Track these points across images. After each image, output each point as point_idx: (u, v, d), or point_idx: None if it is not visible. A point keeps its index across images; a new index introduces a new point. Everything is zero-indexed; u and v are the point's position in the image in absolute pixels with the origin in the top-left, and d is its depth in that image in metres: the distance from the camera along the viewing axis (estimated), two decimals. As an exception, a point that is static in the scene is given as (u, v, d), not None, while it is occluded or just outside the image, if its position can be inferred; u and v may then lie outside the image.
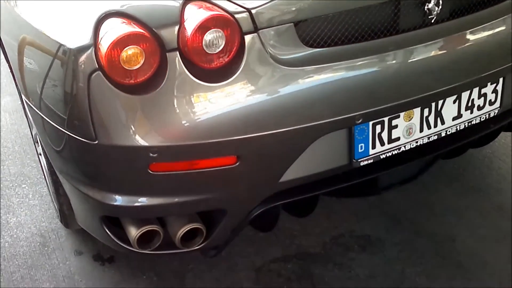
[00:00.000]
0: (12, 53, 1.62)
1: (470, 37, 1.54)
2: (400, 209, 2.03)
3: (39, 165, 2.22)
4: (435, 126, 1.57)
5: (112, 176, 1.36)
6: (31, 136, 2.28)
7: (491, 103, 1.65)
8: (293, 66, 1.32)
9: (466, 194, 2.10)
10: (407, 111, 1.49)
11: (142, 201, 1.38)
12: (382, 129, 1.48)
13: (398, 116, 1.48)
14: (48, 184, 1.97)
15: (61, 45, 1.30)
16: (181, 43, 1.23)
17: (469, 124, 1.63)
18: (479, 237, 1.90)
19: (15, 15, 1.56)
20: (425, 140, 1.57)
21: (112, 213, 1.43)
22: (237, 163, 1.34)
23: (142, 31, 1.19)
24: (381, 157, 1.51)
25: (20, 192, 2.22)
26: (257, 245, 1.91)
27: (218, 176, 1.35)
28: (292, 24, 1.30)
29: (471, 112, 1.62)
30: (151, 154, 1.28)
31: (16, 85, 2.13)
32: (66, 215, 1.83)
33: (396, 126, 1.49)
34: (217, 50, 1.24)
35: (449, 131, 1.60)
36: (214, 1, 1.26)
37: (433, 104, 1.53)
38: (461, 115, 1.60)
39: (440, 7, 1.44)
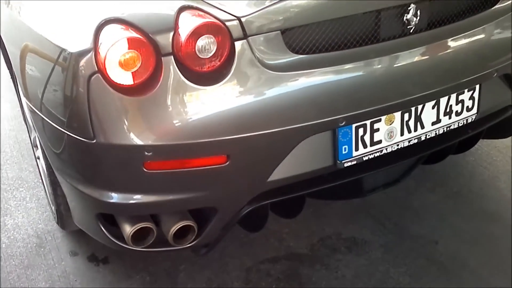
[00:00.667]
0: (15, 60, 1.70)
1: (447, 45, 1.62)
2: (385, 213, 2.11)
3: (37, 169, 2.29)
4: (415, 130, 1.65)
5: (108, 174, 1.44)
6: (29, 141, 2.35)
7: (468, 109, 1.74)
8: (280, 71, 1.40)
9: (449, 199, 2.18)
10: (388, 115, 1.57)
11: (137, 198, 1.45)
12: (365, 132, 1.56)
13: (380, 120, 1.57)
14: (46, 186, 2.04)
15: (62, 50, 1.38)
16: (175, 48, 1.31)
17: (448, 129, 1.72)
18: (461, 240, 1.98)
19: (19, 23, 1.65)
20: (406, 144, 1.65)
21: (108, 210, 1.50)
22: (227, 163, 1.41)
23: (139, 36, 1.28)
24: (364, 159, 1.59)
25: (17, 195, 2.28)
26: (248, 247, 1.98)
27: (209, 174, 1.43)
28: (279, 31, 1.39)
29: (450, 118, 1.70)
30: (145, 153, 1.36)
31: (17, 92, 2.22)
32: (63, 216, 1.89)
33: (378, 130, 1.58)
34: (209, 55, 1.32)
35: (428, 135, 1.68)
36: (206, 10, 1.35)
37: (413, 109, 1.61)
38: (440, 120, 1.69)
39: (418, 18, 1.53)
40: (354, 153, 1.57)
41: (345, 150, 1.55)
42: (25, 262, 1.96)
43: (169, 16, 1.32)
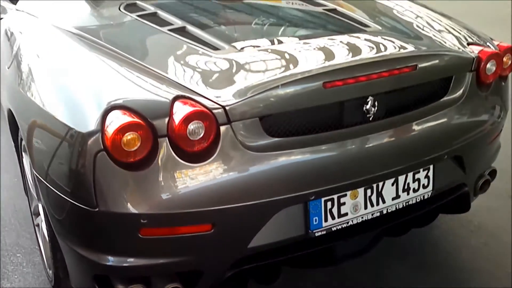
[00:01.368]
0: (23, 132, 1.92)
1: (403, 131, 1.88)
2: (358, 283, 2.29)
3: (34, 236, 2.45)
4: (377, 204, 1.87)
5: (108, 239, 1.63)
6: (26, 209, 2.53)
7: (424, 187, 1.97)
8: (258, 151, 1.64)
9: (416, 269, 2.37)
10: (353, 191, 1.80)
11: (132, 261, 1.64)
12: (332, 205, 1.78)
13: (346, 195, 1.79)
14: (44, 251, 2.20)
15: (70, 128, 1.60)
16: (169, 131, 1.55)
17: (407, 204, 1.94)
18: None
19: (28, 100, 1.87)
20: (370, 216, 1.87)
21: (105, 272, 1.67)
22: (212, 230, 1.62)
23: (139, 121, 1.51)
24: (333, 229, 1.80)
25: (14, 261, 2.44)
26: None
27: (196, 240, 1.63)
28: (257, 118, 1.64)
29: (408, 194, 1.93)
30: (141, 220, 1.56)
31: (19, 162, 2.42)
32: (60, 280, 2.04)
33: (344, 203, 1.80)
34: (198, 137, 1.56)
35: (390, 209, 1.90)
36: (196, 99, 1.60)
37: (374, 186, 1.84)
38: (399, 196, 1.91)
39: (376, 108, 1.80)
40: (324, 224, 1.78)
41: (315, 221, 1.76)
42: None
43: (165, 104, 1.57)
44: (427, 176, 1.96)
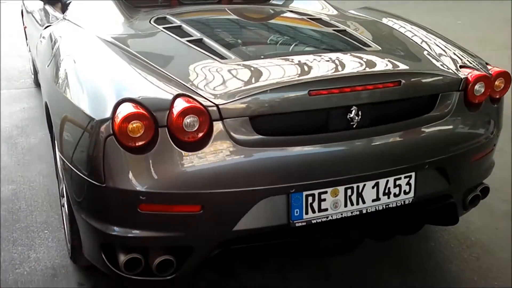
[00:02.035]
0: (56, 127, 2.23)
1: (385, 139, 2.06)
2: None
3: (61, 217, 2.76)
4: (357, 204, 2.06)
5: (113, 211, 1.90)
6: (58, 195, 2.85)
7: (405, 193, 2.14)
8: (246, 146, 1.87)
9: (403, 274, 2.52)
10: (333, 189, 2.00)
11: (132, 232, 1.90)
12: (313, 200, 1.99)
13: (326, 192, 1.99)
14: (65, 226, 2.50)
15: (91, 119, 1.88)
16: (168, 122, 1.81)
17: (387, 206, 2.12)
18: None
19: (60, 95, 2.18)
20: (349, 214, 2.06)
21: (110, 240, 1.93)
22: (201, 211, 1.87)
23: (144, 112, 1.79)
24: (313, 222, 2.00)
25: (42, 236, 2.75)
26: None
27: (187, 219, 1.88)
28: (247, 117, 1.88)
29: (388, 197, 2.11)
30: (141, 197, 1.83)
31: (53, 152, 2.75)
32: (75, 249, 2.33)
33: (324, 199, 2.00)
34: (193, 130, 1.81)
35: (369, 210, 2.09)
36: (195, 97, 1.86)
37: (355, 186, 2.03)
38: (380, 198, 2.09)
39: (359, 117, 2.01)
40: (305, 216, 1.99)
41: (297, 213, 1.98)
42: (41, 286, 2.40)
43: (167, 99, 1.83)
44: (408, 183, 2.13)
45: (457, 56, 2.43)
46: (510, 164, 3.66)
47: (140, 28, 2.64)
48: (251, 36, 2.69)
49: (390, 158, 2.08)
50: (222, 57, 2.17)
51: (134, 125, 1.77)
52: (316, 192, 1.98)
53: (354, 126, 2.01)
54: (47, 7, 3.82)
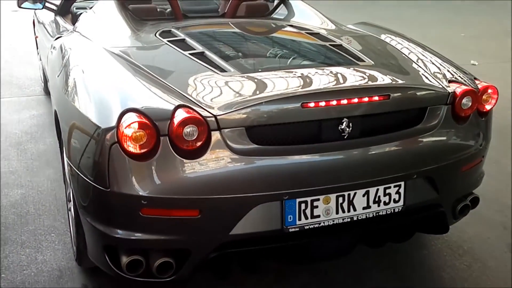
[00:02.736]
0: (64, 134, 2.35)
1: (375, 149, 2.16)
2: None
3: (67, 220, 2.88)
4: (348, 211, 2.16)
5: (117, 215, 2.01)
6: (65, 199, 2.97)
7: (395, 201, 2.24)
8: (242, 154, 1.99)
9: (393, 281, 2.62)
10: (325, 196, 2.11)
11: (134, 235, 2.01)
12: (306, 206, 2.09)
13: (318, 199, 2.10)
14: (71, 230, 2.62)
15: (97, 127, 2.01)
16: (169, 131, 1.92)
17: (377, 214, 2.22)
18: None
19: (69, 103, 2.31)
20: (341, 221, 2.16)
21: (114, 242, 2.04)
22: (199, 216, 1.98)
23: (146, 121, 1.91)
24: (306, 228, 2.11)
25: (49, 239, 2.87)
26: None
27: (186, 223, 1.99)
28: (243, 127, 2.00)
29: (378, 206, 2.21)
30: (142, 201, 1.94)
31: (61, 158, 2.87)
32: (81, 252, 2.44)
33: (316, 206, 2.10)
34: (192, 138, 1.93)
35: (360, 217, 2.19)
36: (195, 108, 1.97)
37: (346, 194, 2.14)
38: (370, 206, 2.19)
39: (350, 128, 2.12)
40: (298, 222, 2.10)
41: (290, 219, 2.08)
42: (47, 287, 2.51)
43: (168, 110, 1.95)
44: (398, 192, 2.23)
45: (447, 71, 2.54)
46: (506, 175, 3.75)
47: (146, 40, 2.78)
48: (251, 50, 2.82)
49: (380, 168, 2.19)
50: (221, 69, 2.29)
51: (138, 133, 1.89)
52: (308, 199, 2.08)
53: (346, 137, 2.12)
54: (58, 18, 3.97)
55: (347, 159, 2.13)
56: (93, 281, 2.55)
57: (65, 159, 2.38)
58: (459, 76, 2.51)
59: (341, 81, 2.26)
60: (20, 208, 3.19)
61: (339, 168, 2.12)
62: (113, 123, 1.94)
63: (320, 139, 2.11)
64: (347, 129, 2.11)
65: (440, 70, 2.55)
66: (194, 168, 1.95)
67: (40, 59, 4.85)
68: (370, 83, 2.26)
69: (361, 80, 2.28)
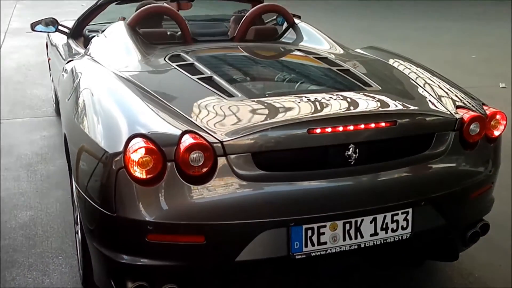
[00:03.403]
0: (73, 156, 2.37)
1: (382, 175, 2.16)
2: None
3: (75, 243, 2.88)
4: (356, 238, 2.14)
5: (123, 240, 2.02)
6: (73, 221, 2.97)
7: (403, 228, 2.21)
8: (248, 180, 1.99)
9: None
10: (332, 223, 2.09)
11: (140, 260, 2.01)
12: (313, 233, 2.08)
13: (325, 226, 2.09)
14: (78, 253, 2.62)
15: (105, 152, 2.02)
16: (176, 157, 1.93)
17: (385, 241, 2.20)
18: None
19: (78, 127, 2.33)
20: (348, 248, 2.14)
21: (119, 268, 2.04)
22: (205, 242, 1.97)
23: (153, 147, 1.92)
24: (312, 254, 2.09)
25: (56, 262, 2.88)
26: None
27: (191, 249, 1.99)
28: (249, 153, 2.00)
29: (386, 232, 2.19)
30: (148, 227, 1.94)
31: (70, 180, 2.89)
32: (87, 277, 2.44)
33: (323, 233, 2.09)
34: (199, 164, 1.93)
35: (368, 244, 2.17)
36: (201, 134, 1.98)
37: (353, 221, 2.12)
38: (378, 233, 2.18)
39: (357, 154, 2.11)
40: (304, 249, 2.08)
41: (296, 245, 2.07)
42: (53, 311, 2.51)
43: (175, 135, 1.96)
44: (406, 219, 2.21)
45: (455, 97, 2.54)
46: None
47: (155, 65, 2.80)
48: (259, 74, 2.83)
49: (387, 194, 2.17)
50: (229, 94, 2.30)
51: (144, 159, 1.90)
52: (315, 225, 2.07)
53: (352, 163, 2.11)
54: (70, 41, 4.03)
55: (354, 185, 2.12)
56: (98, 304, 2.54)
57: (73, 182, 2.39)
58: (467, 101, 2.51)
59: (348, 106, 2.26)
60: (29, 230, 3.20)
61: (345, 194, 2.11)
62: (120, 148, 1.95)
63: (327, 165, 2.10)
64: (354, 155, 2.11)
65: (448, 95, 2.54)
66: (200, 194, 1.95)
67: (52, 81, 4.91)
68: (376, 109, 2.27)
69: (368, 105, 2.28)
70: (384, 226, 2.18)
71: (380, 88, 2.51)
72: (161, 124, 2.07)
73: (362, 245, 2.16)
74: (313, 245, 2.09)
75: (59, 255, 2.95)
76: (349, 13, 12.86)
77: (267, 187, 2.01)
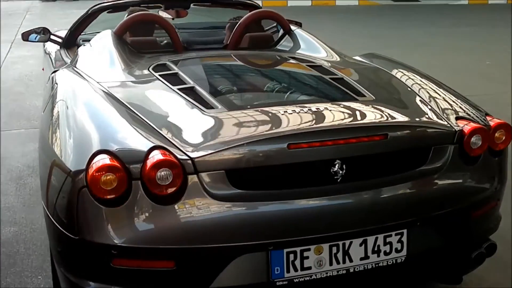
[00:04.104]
0: (40, 171, 2.21)
1: (372, 194, 1.98)
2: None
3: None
4: (344, 262, 1.96)
5: (87, 266, 1.86)
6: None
7: (397, 251, 2.03)
8: (222, 200, 1.82)
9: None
10: (317, 246, 1.91)
11: (105, 287, 1.85)
12: (295, 257, 1.90)
13: (309, 249, 1.91)
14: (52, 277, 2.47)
15: (68, 169, 1.87)
16: (142, 175, 1.77)
17: (377, 265, 2.02)
18: None
19: (47, 142, 2.17)
20: (335, 273, 1.96)
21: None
22: (174, 267, 1.80)
23: (117, 165, 1.76)
24: (295, 281, 1.92)
25: (35, 282, 2.73)
26: None
27: (160, 275, 1.82)
28: (223, 171, 1.83)
29: (378, 256, 2.00)
30: (112, 251, 1.78)
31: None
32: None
33: (307, 257, 1.91)
34: (167, 183, 1.77)
35: (357, 269, 1.99)
36: (171, 150, 1.82)
37: (341, 244, 1.94)
38: (368, 257, 1.99)
39: (344, 171, 1.93)
40: (286, 275, 1.90)
41: (277, 271, 1.89)
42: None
43: (142, 152, 1.80)
44: (400, 241, 2.03)
45: (456, 106, 2.35)
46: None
47: (137, 75, 2.65)
48: (246, 84, 2.67)
49: (379, 214, 1.99)
50: (209, 106, 2.13)
51: (107, 177, 1.75)
52: (298, 249, 1.90)
53: (339, 180, 1.94)
54: (61, 51, 3.90)
55: (341, 205, 1.95)
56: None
57: (42, 201, 2.25)
58: (470, 112, 2.31)
59: (335, 119, 2.08)
60: (11, 247, 3.06)
61: (331, 215, 1.93)
62: (83, 166, 1.80)
63: (310, 183, 1.93)
64: (340, 172, 1.93)
65: (448, 105, 2.35)
66: (168, 215, 1.79)
67: (46, 91, 4.81)
68: (365, 121, 2.08)
69: (357, 117, 2.10)
70: (375, 249, 2.00)
71: (374, 98, 2.33)
72: (130, 139, 1.92)
73: (352, 270, 1.98)
74: (296, 270, 1.91)
75: (38, 274, 2.80)
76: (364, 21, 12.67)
77: (243, 207, 1.84)
